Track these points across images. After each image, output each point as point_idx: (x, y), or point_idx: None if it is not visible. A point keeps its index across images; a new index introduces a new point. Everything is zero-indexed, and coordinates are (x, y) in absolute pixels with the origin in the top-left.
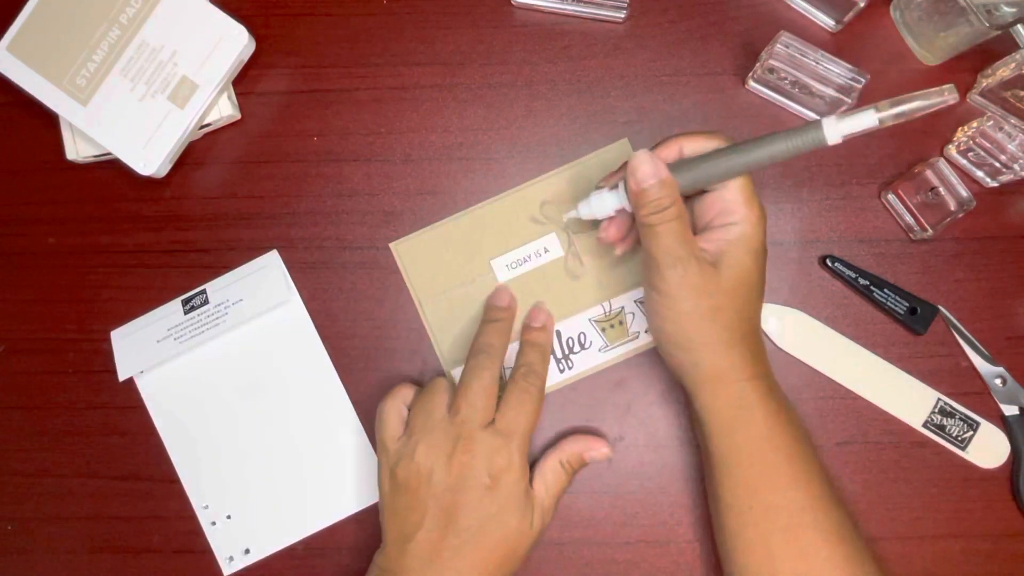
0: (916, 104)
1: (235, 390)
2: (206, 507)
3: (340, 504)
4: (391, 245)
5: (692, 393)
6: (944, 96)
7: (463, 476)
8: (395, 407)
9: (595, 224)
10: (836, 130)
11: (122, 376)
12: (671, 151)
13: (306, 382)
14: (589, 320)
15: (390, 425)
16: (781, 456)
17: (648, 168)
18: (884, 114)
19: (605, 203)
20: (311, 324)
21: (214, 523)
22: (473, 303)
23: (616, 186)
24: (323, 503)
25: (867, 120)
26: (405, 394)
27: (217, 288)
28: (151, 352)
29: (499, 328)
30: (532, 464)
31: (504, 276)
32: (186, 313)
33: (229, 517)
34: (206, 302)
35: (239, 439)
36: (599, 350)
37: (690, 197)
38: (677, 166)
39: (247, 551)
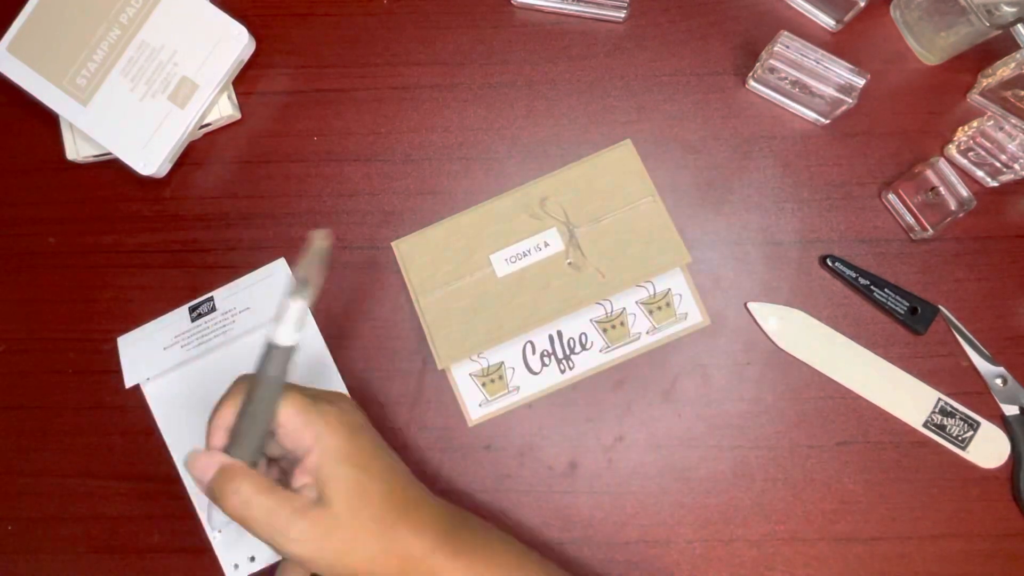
0: (307, 264)
1: None
2: (210, 515)
3: None
4: (393, 244)
5: None
6: (320, 243)
7: None
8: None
9: (596, 220)
10: (280, 338)
11: (128, 383)
12: (217, 435)
13: (307, 382)
14: (590, 320)
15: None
16: None
17: (202, 463)
18: (296, 295)
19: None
20: (312, 324)
21: (220, 531)
22: (469, 297)
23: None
24: None
25: (295, 308)
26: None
27: (224, 296)
28: (158, 359)
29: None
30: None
31: (503, 271)
32: (193, 320)
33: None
34: (213, 309)
35: None
36: (600, 351)
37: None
38: (230, 444)
39: (252, 558)
